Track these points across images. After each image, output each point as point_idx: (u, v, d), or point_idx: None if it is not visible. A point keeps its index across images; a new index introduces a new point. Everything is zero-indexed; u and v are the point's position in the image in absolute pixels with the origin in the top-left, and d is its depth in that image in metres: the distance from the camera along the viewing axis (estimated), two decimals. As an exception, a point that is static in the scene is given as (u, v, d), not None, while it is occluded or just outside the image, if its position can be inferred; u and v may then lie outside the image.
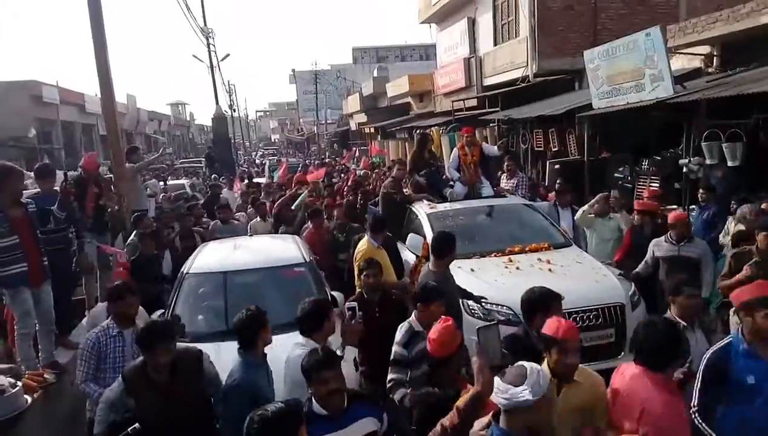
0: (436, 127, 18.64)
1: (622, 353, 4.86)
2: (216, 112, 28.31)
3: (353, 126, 34.53)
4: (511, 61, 15.15)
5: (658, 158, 9.29)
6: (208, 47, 28.37)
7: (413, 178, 7.77)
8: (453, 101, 17.40)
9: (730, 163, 7.34)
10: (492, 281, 5.37)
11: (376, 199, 8.65)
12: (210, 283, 5.24)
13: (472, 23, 17.70)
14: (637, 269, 5.49)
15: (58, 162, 22.91)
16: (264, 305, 4.89)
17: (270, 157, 31.65)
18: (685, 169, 8.04)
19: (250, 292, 5.09)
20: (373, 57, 66.99)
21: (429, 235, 6.05)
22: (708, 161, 7.63)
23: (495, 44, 16.41)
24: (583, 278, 5.42)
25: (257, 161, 35.04)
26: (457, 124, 16.79)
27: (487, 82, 16.74)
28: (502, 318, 4.78)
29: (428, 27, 22.60)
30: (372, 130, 29.02)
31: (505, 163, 8.66)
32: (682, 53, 9.75)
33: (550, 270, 5.54)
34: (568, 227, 6.97)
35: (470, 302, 5.02)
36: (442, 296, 3.81)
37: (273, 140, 74.66)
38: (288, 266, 5.35)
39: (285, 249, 5.81)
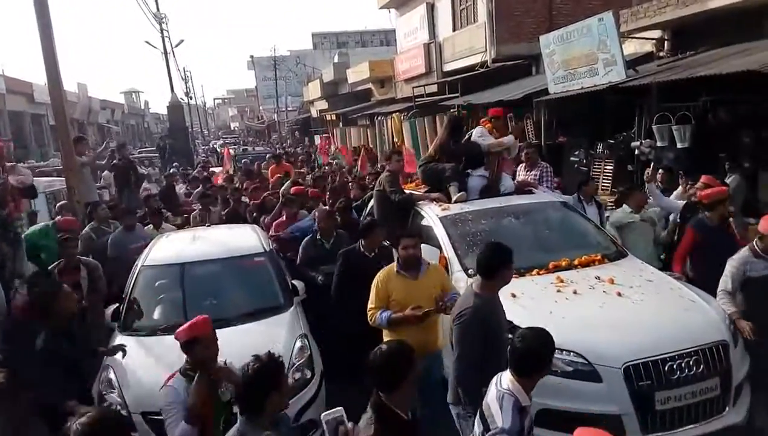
0: (397, 113, 18.63)
1: (726, 408, 3.75)
2: (171, 100, 27.58)
3: (314, 113, 34.18)
4: (470, 46, 15.22)
5: (612, 142, 9.52)
6: (162, 33, 27.57)
7: (429, 166, 6.11)
8: (414, 87, 17.40)
9: (679, 145, 7.58)
10: (545, 312, 3.97)
11: (359, 200, 7.65)
12: (167, 275, 5.13)
13: (431, 8, 17.68)
14: (722, 289, 4.24)
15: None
16: (223, 296, 4.90)
17: (233, 147, 30.81)
18: (636, 152, 8.27)
19: (209, 283, 5.02)
20: (333, 43, 66.37)
21: (446, 245, 4.94)
22: (659, 143, 7.87)
23: (454, 29, 16.45)
24: (667, 305, 4.11)
25: (218, 150, 34.34)
26: (418, 110, 16.84)
27: (447, 67, 16.78)
28: (569, 369, 3.64)
29: (388, 12, 22.48)
30: (333, 117, 28.79)
31: (524, 152, 7.13)
32: (634, 38, 9.97)
33: (619, 294, 4.19)
34: None
35: None
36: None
37: (232, 128, 73.29)
38: (247, 256, 5.28)
39: (244, 239, 5.72)
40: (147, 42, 29.04)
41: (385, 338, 3.89)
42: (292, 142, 35.74)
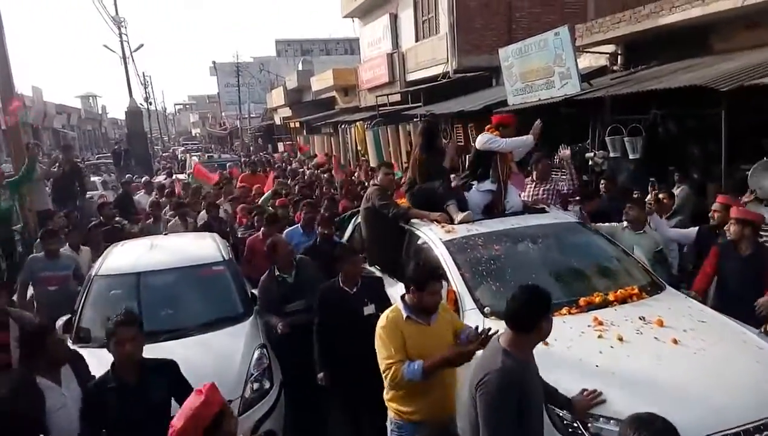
0: (360, 122, 18.70)
1: None
2: (130, 106, 27.00)
3: (278, 120, 33.95)
4: (433, 57, 15.42)
5: (568, 152, 9.77)
6: (120, 37, 27.03)
7: (416, 189, 5.17)
8: (377, 96, 17.50)
9: (631, 156, 7.85)
10: (590, 367, 3.24)
11: (341, 216, 6.91)
12: (121, 285, 5.01)
13: (394, 19, 17.85)
14: None
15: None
16: (180, 306, 4.83)
17: (197, 154, 29.84)
18: (591, 163, 8.53)
19: (166, 293, 4.93)
20: (297, 50, 66.16)
21: (454, 276, 4.12)
22: (612, 154, 8.14)
23: (417, 40, 16.64)
24: (735, 356, 3.35)
25: (179, 157, 33.62)
26: (381, 119, 16.94)
27: (410, 77, 16.95)
28: None
29: (351, 21, 22.58)
30: (297, 124, 28.67)
31: (536, 164, 6.18)
32: (589, 52, 10.29)
33: (675, 342, 3.41)
34: None
35: (562, 412, 2.98)
36: None
37: (194, 134, 72.12)
38: (205, 265, 5.22)
39: (203, 247, 5.65)
40: (105, 46, 28.43)
41: (391, 402, 3.29)
42: (255, 149, 35.41)
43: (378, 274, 4.96)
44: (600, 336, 3.49)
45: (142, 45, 41.69)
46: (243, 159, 23.59)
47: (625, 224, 5.15)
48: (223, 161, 22.00)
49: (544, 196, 5.94)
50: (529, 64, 9.56)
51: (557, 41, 8.75)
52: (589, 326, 3.61)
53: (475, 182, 5.16)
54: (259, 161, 19.01)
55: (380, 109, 17.05)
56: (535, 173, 6.19)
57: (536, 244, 4.55)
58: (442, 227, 4.65)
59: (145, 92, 43.84)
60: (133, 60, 30.32)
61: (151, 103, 47.92)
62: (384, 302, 3.99)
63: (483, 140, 5.12)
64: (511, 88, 10.21)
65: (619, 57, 10.06)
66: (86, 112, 52.51)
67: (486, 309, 3.83)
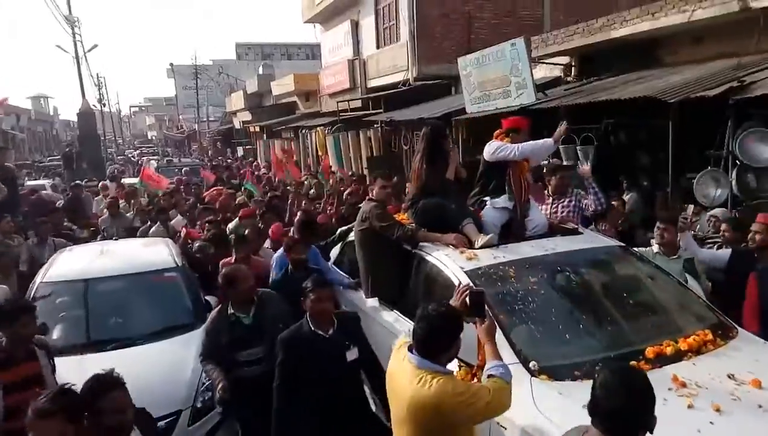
0: (321, 127, 18.63)
1: None
2: (82, 107, 26.11)
3: (237, 124, 33.48)
4: (394, 64, 15.51)
5: (588, 168, 9.94)
6: (74, 37, 26.15)
7: (421, 205, 4.35)
8: (338, 102, 17.48)
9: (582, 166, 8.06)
10: None
11: (332, 237, 6.02)
12: (68, 292, 4.84)
13: (356, 25, 17.89)
14: None
15: None
16: (130, 314, 4.70)
17: (152, 157, 28.59)
18: (545, 170, 8.71)
19: (115, 300, 4.79)
20: (258, 54, 65.40)
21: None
22: (565, 162, 8.33)
23: (378, 47, 16.71)
24: None
25: (134, 159, 32.69)
26: (342, 125, 16.93)
27: (371, 84, 17.00)
28: None
29: (313, 27, 22.51)
30: (257, 129, 28.35)
31: (553, 176, 5.43)
32: (544, 63, 10.54)
33: None
34: None
35: None
36: None
37: (150, 138, 70.42)
38: (157, 272, 5.09)
39: (155, 253, 5.51)
40: (58, 46, 27.46)
41: None
42: (214, 154, 34.83)
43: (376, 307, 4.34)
44: (690, 406, 2.69)
45: (96, 45, 40.12)
46: (210, 163, 22.73)
47: (656, 248, 4.43)
48: (185, 166, 20.97)
49: (563, 213, 5.11)
50: (486, 74, 9.72)
51: (514, 52, 8.93)
52: (670, 389, 2.78)
53: (488, 198, 4.35)
54: (220, 166, 18.64)
55: (341, 114, 17.03)
56: (549, 187, 5.30)
57: (578, 274, 3.75)
58: (461, 252, 3.83)
59: (99, 93, 42.57)
60: (86, 60, 29.44)
61: (105, 105, 46.56)
62: (365, 343, 3.54)
63: (491, 149, 4.33)
64: (470, 97, 10.36)
65: (573, 68, 10.34)
66: (37, 114, 50.61)
67: (532, 364, 2.97)
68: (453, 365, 2.63)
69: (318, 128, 18.71)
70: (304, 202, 8.47)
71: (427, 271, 3.99)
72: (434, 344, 2.45)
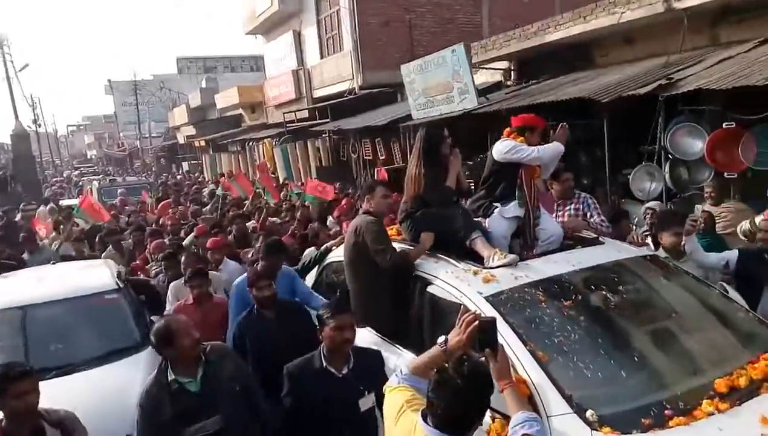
0: (268, 139, 18.45)
1: None
2: (16, 128, 24.99)
3: (181, 139, 32.74)
4: (338, 73, 15.54)
5: (471, 163, 10.15)
6: (3, 57, 25.06)
7: (419, 214, 3.81)
8: (284, 113, 17.36)
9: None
10: None
11: (304, 260, 5.22)
12: (3, 321, 4.57)
13: (298, 36, 17.84)
14: None
15: None
16: (70, 340, 4.48)
17: (93, 177, 26.57)
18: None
19: (55, 327, 4.56)
20: (200, 67, 64.10)
21: (520, 354, 2.66)
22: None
23: (321, 57, 16.71)
24: None
25: (74, 180, 31.28)
26: (290, 136, 16.81)
27: (317, 93, 16.98)
28: None
29: (255, 38, 22.29)
30: (202, 143, 27.80)
31: (557, 179, 4.71)
32: (485, 68, 10.79)
33: None
34: None
35: None
36: None
37: (89, 157, 67.84)
38: (97, 294, 4.87)
39: (94, 276, 5.28)
40: (-15, 66, 26.21)
41: None
42: (158, 170, 33.89)
43: (373, 342, 3.60)
44: None
45: (27, 65, 38.55)
46: (160, 181, 21.07)
47: (662, 253, 4.07)
48: (131, 185, 18.74)
49: (572, 217, 4.59)
50: (429, 80, 9.86)
51: (454, 58, 9.10)
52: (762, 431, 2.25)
53: (497, 205, 3.79)
54: (165, 184, 17.79)
55: (288, 125, 16.92)
56: (553, 191, 4.79)
57: (616, 293, 3.16)
58: (474, 272, 3.23)
59: (34, 114, 40.81)
60: (18, 80, 28.19)
61: (40, 126, 44.64)
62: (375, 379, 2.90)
63: (504, 148, 3.77)
64: (414, 103, 10.48)
65: (512, 72, 10.63)
66: (-35, 136, 48.01)
67: (589, 413, 2.37)
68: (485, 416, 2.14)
69: (265, 140, 18.51)
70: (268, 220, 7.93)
71: (434, 297, 3.29)
72: (462, 419, 1.94)
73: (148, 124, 46.16)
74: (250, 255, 6.02)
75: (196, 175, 24.45)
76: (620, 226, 5.07)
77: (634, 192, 6.70)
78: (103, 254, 7.23)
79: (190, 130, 29.52)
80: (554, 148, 3.80)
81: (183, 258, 5.37)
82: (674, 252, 4.06)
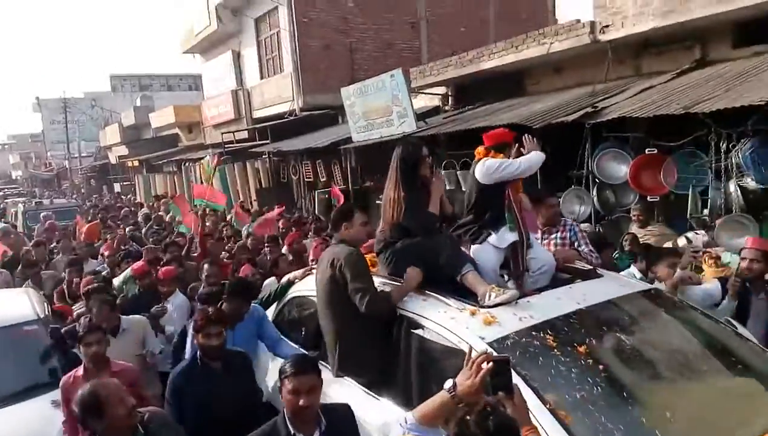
0: (206, 159, 18.01)
1: None
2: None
3: (113, 159, 31.51)
4: (278, 94, 15.45)
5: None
6: None
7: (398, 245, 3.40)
8: (223, 133, 17.05)
9: (464, 189, 8.45)
10: None
11: (262, 295, 4.60)
12: None
13: (237, 56, 17.65)
14: None
15: None
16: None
17: (18, 199, 24.01)
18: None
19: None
20: (135, 85, 62.32)
21: (538, 414, 2.26)
22: (447, 187, 8.69)
23: (261, 78, 16.59)
24: None
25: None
26: (228, 157, 16.49)
27: (257, 114, 16.80)
28: None
29: (193, 57, 21.88)
30: (136, 163, 26.85)
31: (542, 203, 4.39)
32: (423, 93, 11.02)
33: None
34: None
35: None
36: None
37: (14, 178, 64.15)
38: (15, 326, 4.55)
39: (12, 306, 4.95)
40: None
41: None
42: (88, 192, 32.43)
43: (350, 393, 3.12)
44: None
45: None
46: (90, 203, 19.81)
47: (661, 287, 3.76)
48: (60, 208, 16.69)
49: (561, 246, 4.20)
50: (369, 104, 9.97)
51: (393, 83, 9.25)
52: None
53: (489, 233, 3.43)
54: (102, 207, 16.30)
55: (227, 146, 16.61)
56: (539, 218, 4.34)
57: (632, 335, 2.89)
58: (471, 313, 2.85)
59: (-50, 131, 38.20)
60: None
61: (-43, 144, 41.88)
62: None
63: (491, 168, 3.39)
64: (355, 126, 10.55)
65: (450, 98, 10.90)
66: None
67: None
68: None
69: (202, 161, 18.07)
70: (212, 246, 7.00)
71: (423, 341, 2.91)
72: None
73: (78, 144, 44.18)
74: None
75: (129, 196, 23.44)
76: (605, 255, 4.70)
77: (564, 214, 6.95)
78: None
79: (123, 150, 28.50)
80: (538, 156, 3.53)
81: (93, 303, 4.40)
82: (671, 285, 3.76)
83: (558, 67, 8.76)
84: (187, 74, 58.91)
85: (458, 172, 8.51)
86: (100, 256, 7.79)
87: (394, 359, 3.02)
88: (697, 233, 5.67)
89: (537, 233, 4.21)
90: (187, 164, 20.31)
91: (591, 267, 3.64)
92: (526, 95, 9.19)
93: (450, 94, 10.90)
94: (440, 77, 10.18)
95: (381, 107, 9.65)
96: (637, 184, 6.43)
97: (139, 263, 5.82)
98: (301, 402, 2.41)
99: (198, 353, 3.29)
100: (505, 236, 3.40)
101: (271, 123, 15.33)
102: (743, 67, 6.19)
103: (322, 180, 12.81)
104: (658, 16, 6.71)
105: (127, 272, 5.78)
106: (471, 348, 2.24)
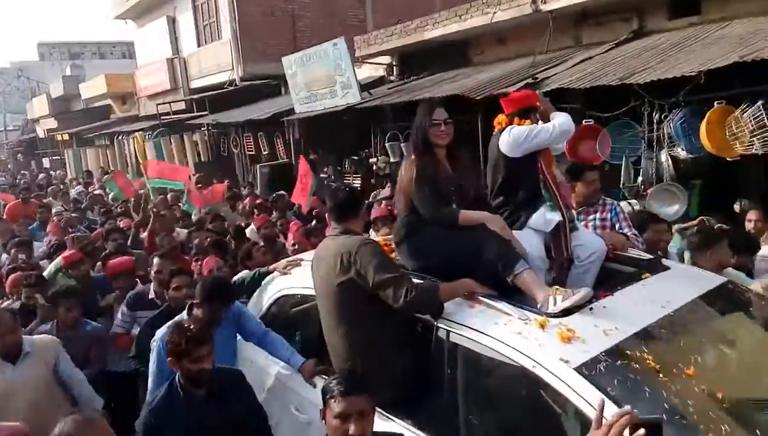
0: (140, 132, 17.24)
1: None
2: None
3: (41, 133, 29.73)
4: (217, 63, 14.85)
5: (356, 158, 10.15)
6: None
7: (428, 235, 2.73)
8: (158, 104, 16.29)
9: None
10: None
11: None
12: None
13: (173, 22, 16.81)
14: None
15: None
16: None
17: None
18: (375, 167, 8.95)
19: None
20: (64, 54, 58.82)
21: None
22: (392, 160, 8.62)
23: (199, 45, 15.89)
24: None
25: None
26: (164, 129, 15.81)
27: (194, 84, 16.12)
28: None
29: (125, 23, 20.70)
30: (66, 136, 25.42)
31: (580, 176, 3.72)
32: (368, 63, 10.79)
33: None
34: None
35: None
36: None
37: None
38: None
39: None
40: None
41: None
42: (15, 167, 30.57)
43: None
44: None
45: None
46: (21, 180, 18.10)
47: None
48: None
49: (601, 227, 3.57)
50: (312, 74, 9.69)
51: (336, 52, 9.00)
52: None
53: (527, 215, 2.88)
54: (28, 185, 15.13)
55: (162, 118, 15.90)
56: (574, 195, 3.68)
57: (734, 346, 2.40)
58: (540, 324, 2.22)
59: None
60: None
61: None
62: None
63: (520, 137, 2.86)
64: (297, 97, 10.25)
65: (394, 68, 10.73)
66: None
67: None
68: None
69: (137, 133, 17.28)
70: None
71: (476, 364, 2.32)
72: None
73: (3, 117, 41.47)
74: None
75: (59, 172, 22.16)
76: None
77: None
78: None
79: (52, 123, 26.91)
80: (565, 117, 2.99)
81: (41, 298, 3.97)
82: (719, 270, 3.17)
83: (501, 38, 8.73)
84: (120, 41, 56.03)
85: (402, 145, 8.43)
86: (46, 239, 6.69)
87: (428, 378, 2.44)
88: (629, 203, 5.82)
89: (582, 214, 3.65)
90: (120, 137, 19.39)
91: (652, 256, 3.04)
92: (471, 65, 9.13)
93: (395, 64, 10.71)
94: (384, 46, 9.98)
95: (324, 77, 9.39)
96: (573, 154, 6.51)
97: (69, 251, 5.05)
98: (351, 430, 1.98)
99: (177, 379, 2.63)
100: (547, 217, 2.83)
101: (209, 93, 14.75)
102: (678, 37, 6.32)
103: (264, 153, 12.46)
104: (598, -13, 6.76)
105: (57, 261, 4.89)
106: (601, 401, 1.63)
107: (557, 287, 2.43)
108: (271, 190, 10.52)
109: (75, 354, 3.46)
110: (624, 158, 6.07)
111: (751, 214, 4.59)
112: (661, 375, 2.02)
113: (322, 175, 10.95)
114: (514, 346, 2.16)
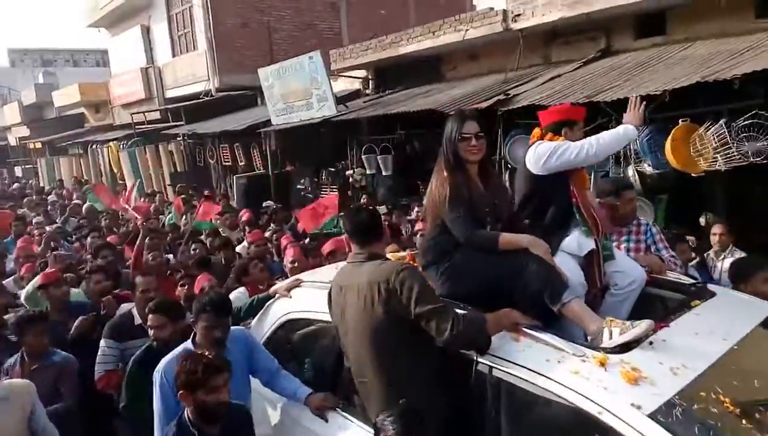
0: (115, 141, 17.05)
1: None
2: None
3: (12, 141, 29.16)
4: (192, 73, 14.81)
5: (333, 170, 10.21)
6: None
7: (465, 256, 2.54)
8: (132, 114, 16.14)
9: (384, 173, 8.51)
10: None
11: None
12: None
13: (147, 31, 16.71)
14: None
15: None
16: None
17: None
18: (351, 179, 9.03)
19: None
20: (36, 60, 57.79)
21: None
22: (368, 171, 8.71)
23: (174, 55, 15.82)
24: None
25: None
26: (139, 139, 15.67)
27: (170, 94, 16.04)
28: None
29: (98, 31, 20.49)
30: (38, 145, 24.96)
31: (618, 194, 3.40)
32: (344, 76, 10.89)
33: None
34: None
35: None
36: None
37: None
38: None
39: None
40: None
41: None
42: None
43: None
44: None
45: None
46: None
47: None
48: None
49: (636, 248, 3.35)
50: (288, 86, 9.74)
51: (312, 65, 9.07)
52: None
53: (559, 238, 2.69)
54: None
55: (137, 127, 15.76)
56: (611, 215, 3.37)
57: None
58: (600, 363, 2.00)
59: None
60: None
61: None
62: None
63: (544, 154, 2.65)
64: (273, 108, 10.29)
65: (370, 81, 10.85)
66: None
67: None
68: None
69: (111, 143, 17.08)
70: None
71: (524, 402, 2.11)
72: None
73: (-29, 123, 40.50)
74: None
75: (32, 181, 21.72)
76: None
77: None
78: None
79: (23, 131, 26.43)
80: (615, 135, 2.66)
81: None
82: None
83: (474, 54, 8.91)
84: (94, 49, 55.27)
85: (378, 157, 8.52)
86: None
87: (472, 421, 2.23)
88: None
89: (614, 235, 3.34)
90: (94, 147, 19.13)
91: (695, 280, 2.88)
92: (444, 81, 9.29)
93: (370, 77, 10.83)
94: (360, 60, 10.09)
95: (300, 90, 9.45)
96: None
97: (50, 269, 4.62)
98: None
99: (186, 417, 2.37)
100: (580, 241, 2.62)
101: (185, 103, 14.68)
102: (644, 57, 6.55)
103: (241, 164, 12.44)
104: (566, 7, 6.95)
105: (35, 280, 4.41)
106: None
107: (611, 318, 2.20)
108: (247, 201, 10.51)
109: (41, 386, 3.14)
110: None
111: (716, 228, 4.76)
112: (744, 422, 1.84)
113: (299, 186, 10.99)
114: (574, 388, 1.91)
